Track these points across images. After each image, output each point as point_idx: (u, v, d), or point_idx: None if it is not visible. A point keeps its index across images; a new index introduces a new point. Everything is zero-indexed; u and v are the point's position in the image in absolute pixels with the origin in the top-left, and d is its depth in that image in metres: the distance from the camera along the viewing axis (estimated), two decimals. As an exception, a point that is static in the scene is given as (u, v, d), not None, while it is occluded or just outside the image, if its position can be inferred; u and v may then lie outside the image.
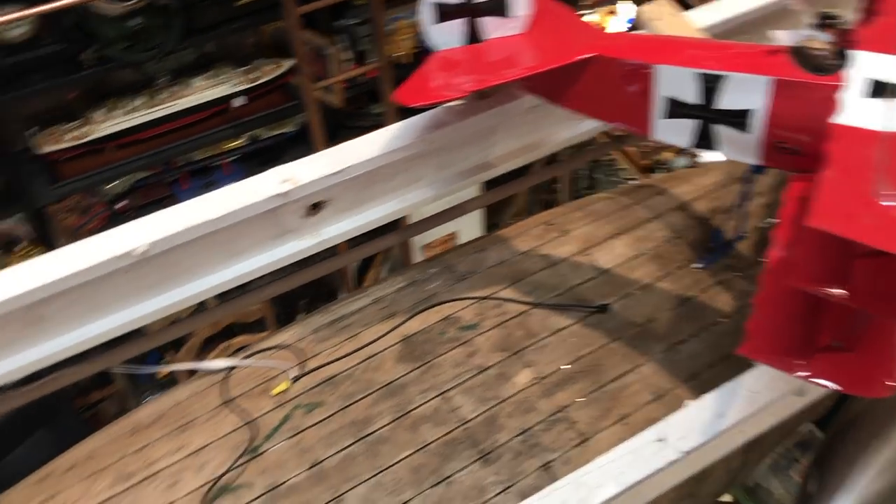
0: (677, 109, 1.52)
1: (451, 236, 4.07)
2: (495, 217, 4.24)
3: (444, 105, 1.82)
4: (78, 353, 1.74)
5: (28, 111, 3.29)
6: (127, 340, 1.90)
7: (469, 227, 4.05)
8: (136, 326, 1.74)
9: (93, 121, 3.28)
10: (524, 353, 1.85)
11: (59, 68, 3.13)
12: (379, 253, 4.26)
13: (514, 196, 4.35)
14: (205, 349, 3.92)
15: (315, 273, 2.21)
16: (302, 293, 4.22)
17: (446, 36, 1.72)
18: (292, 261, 1.85)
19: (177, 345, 3.89)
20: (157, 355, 4.17)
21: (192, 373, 3.75)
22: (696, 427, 1.42)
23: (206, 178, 3.68)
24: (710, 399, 1.47)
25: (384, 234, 2.16)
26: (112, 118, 3.30)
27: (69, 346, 1.69)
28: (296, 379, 1.85)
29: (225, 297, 2.28)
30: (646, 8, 1.99)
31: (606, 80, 1.60)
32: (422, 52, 3.59)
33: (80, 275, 1.54)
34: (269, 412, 1.79)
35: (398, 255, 4.22)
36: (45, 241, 3.41)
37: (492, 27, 1.68)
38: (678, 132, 1.55)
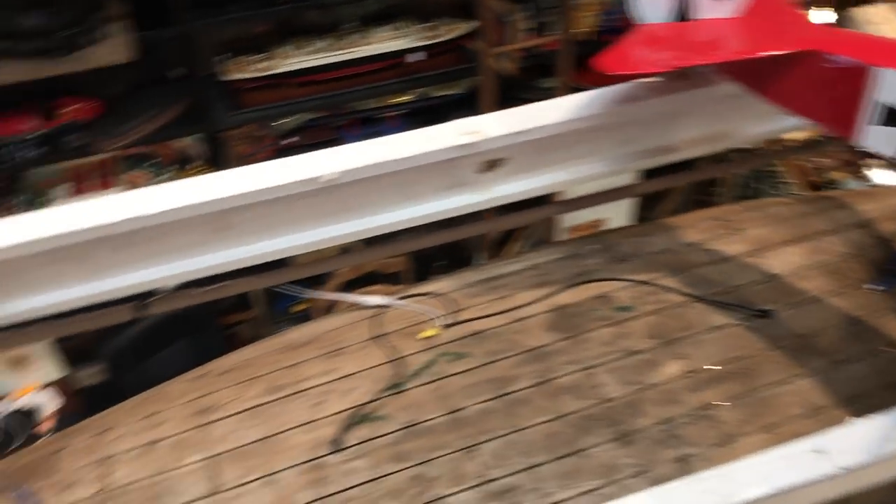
0: (892, 117, 1.44)
1: (599, 223, 4.02)
2: (647, 211, 4.15)
3: (638, 80, 1.80)
4: (244, 269, 1.85)
5: (220, 39, 3.46)
6: (275, 268, 1.99)
7: (619, 216, 3.99)
8: (307, 250, 1.82)
9: (277, 56, 3.42)
10: (677, 344, 1.82)
11: (256, 1, 3.29)
12: (521, 228, 4.27)
13: (669, 192, 4.24)
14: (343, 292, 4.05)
15: (462, 233, 2.24)
16: (439, 255, 4.29)
17: (654, 9, 1.69)
18: (458, 213, 1.89)
19: (316, 283, 4.04)
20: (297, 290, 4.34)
21: (329, 310, 3.90)
22: (860, 446, 1.35)
23: (372, 127, 3.77)
24: (879, 420, 1.40)
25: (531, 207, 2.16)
26: (295, 56, 3.43)
27: (245, 257, 1.79)
28: (445, 327, 1.88)
29: (371, 242, 2.33)
30: (864, 10, 1.89)
31: (817, 77, 1.53)
32: (604, 31, 3.57)
33: (271, 191, 1.63)
34: (415, 354, 1.84)
35: (541, 233, 4.21)
36: (216, 163, 3.60)
37: (704, 7, 1.65)
38: (888, 141, 1.46)
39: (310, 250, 1.82)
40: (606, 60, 1.63)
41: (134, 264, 1.73)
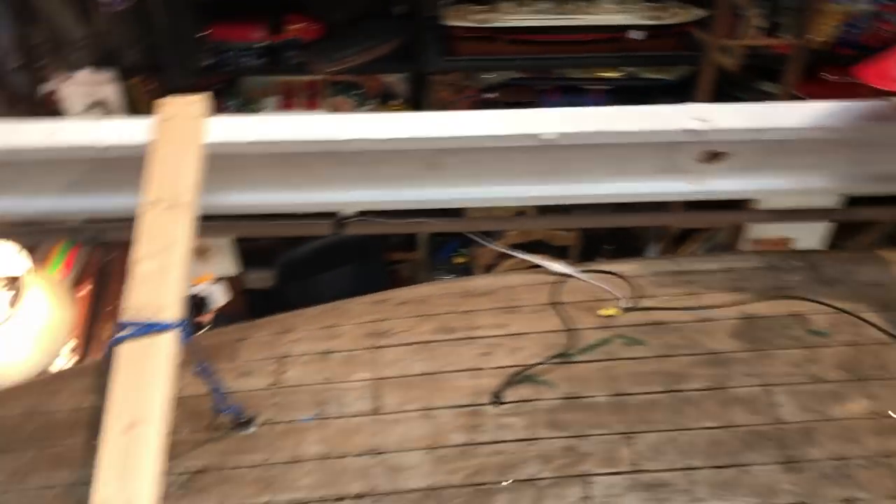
0: None
1: (786, 241, 3.82)
2: (840, 240, 3.90)
3: (892, 99, 1.68)
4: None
5: (448, -16, 3.52)
6: (448, 216, 2.00)
7: (808, 238, 3.78)
8: (508, 204, 1.84)
9: (499, 10, 3.43)
10: (869, 383, 1.71)
11: (490, -48, 3.31)
12: (703, 229, 4.13)
13: (870, 225, 3.96)
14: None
15: (647, 220, 2.17)
16: (610, 238, 4.23)
17: (933, 28, 1.56)
18: (667, 199, 1.85)
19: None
20: (456, 245, 4.42)
21: (489, 268, 3.93)
22: None
23: (572, 97, 3.73)
24: None
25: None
26: (516, 13, 3.42)
27: (447, 198, 1.83)
28: (626, 310, 1.86)
29: (546, 211, 2.30)
30: None
31: None
32: (842, 43, 3.34)
33: (490, 139, 1.65)
34: (590, 329, 1.82)
35: (722, 238, 4.06)
36: (417, 104, 3.68)
37: None
38: None
39: (510, 205, 1.84)
40: (868, 71, 1.53)
41: (345, 183, 1.81)
